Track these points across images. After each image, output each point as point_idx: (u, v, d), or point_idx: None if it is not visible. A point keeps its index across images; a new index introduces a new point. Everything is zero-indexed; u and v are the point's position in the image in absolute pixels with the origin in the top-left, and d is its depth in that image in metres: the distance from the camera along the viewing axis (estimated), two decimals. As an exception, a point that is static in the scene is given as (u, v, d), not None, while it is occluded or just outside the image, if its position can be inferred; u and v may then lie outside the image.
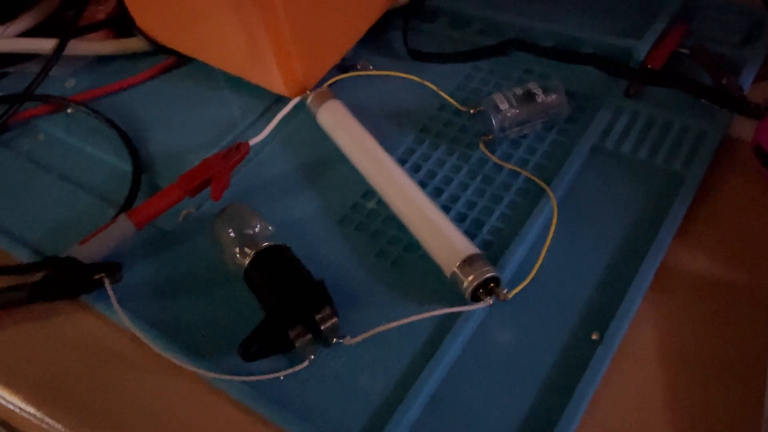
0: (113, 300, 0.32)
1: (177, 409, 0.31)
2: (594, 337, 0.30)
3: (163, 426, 0.30)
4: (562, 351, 0.30)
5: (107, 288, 0.32)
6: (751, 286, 0.31)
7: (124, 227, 0.35)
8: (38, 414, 0.32)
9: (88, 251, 0.34)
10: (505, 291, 0.30)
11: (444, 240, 0.32)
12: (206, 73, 0.46)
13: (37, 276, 0.33)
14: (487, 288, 0.30)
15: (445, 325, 0.31)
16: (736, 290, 0.31)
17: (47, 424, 0.31)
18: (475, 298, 0.30)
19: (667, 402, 0.28)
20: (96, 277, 0.33)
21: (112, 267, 0.33)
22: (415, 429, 0.28)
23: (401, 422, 0.28)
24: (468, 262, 0.30)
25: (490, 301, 0.30)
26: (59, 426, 0.31)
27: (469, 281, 0.30)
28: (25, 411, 0.32)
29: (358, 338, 0.30)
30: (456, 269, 0.30)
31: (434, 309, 0.30)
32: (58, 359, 0.33)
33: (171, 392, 0.31)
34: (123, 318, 0.31)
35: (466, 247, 0.31)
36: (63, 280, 0.33)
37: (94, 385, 0.32)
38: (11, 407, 0.32)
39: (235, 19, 0.38)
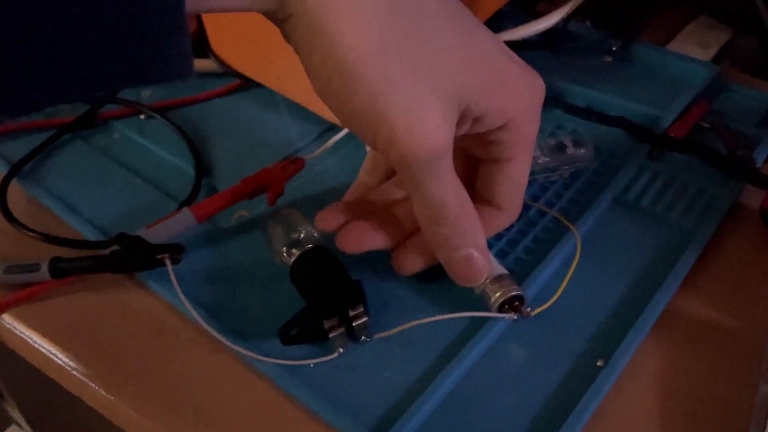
0: (172, 276, 0.35)
1: (215, 383, 0.34)
2: (599, 363, 0.33)
3: (200, 396, 0.33)
4: (569, 372, 0.33)
5: (168, 266, 0.36)
6: (744, 336, 0.34)
7: (186, 218, 0.39)
8: (88, 373, 0.35)
9: (153, 235, 0.38)
10: (528, 309, 0.34)
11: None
12: (268, 97, 0.51)
13: (108, 251, 0.37)
14: (512, 305, 0.34)
15: (468, 333, 0.34)
16: (731, 337, 0.34)
17: (96, 384, 0.35)
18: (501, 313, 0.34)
19: (659, 430, 0.31)
20: (159, 256, 0.37)
21: (175, 248, 0.37)
22: (428, 422, 0.31)
23: (417, 414, 0.31)
24: (497, 279, 0.34)
25: (514, 316, 0.33)
26: (105, 386, 0.34)
27: (496, 297, 0.33)
28: (75, 369, 0.35)
29: (385, 333, 0.33)
30: (486, 285, 0.34)
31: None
32: (112, 327, 0.37)
33: (211, 367, 0.35)
34: (178, 293, 0.35)
35: (496, 266, 0.35)
36: (131, 255, 0.36)
37: (141, 354, 0.35)
38: (63, 364, 0.36)
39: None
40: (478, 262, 0.32)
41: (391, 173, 0.38)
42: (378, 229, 0.35)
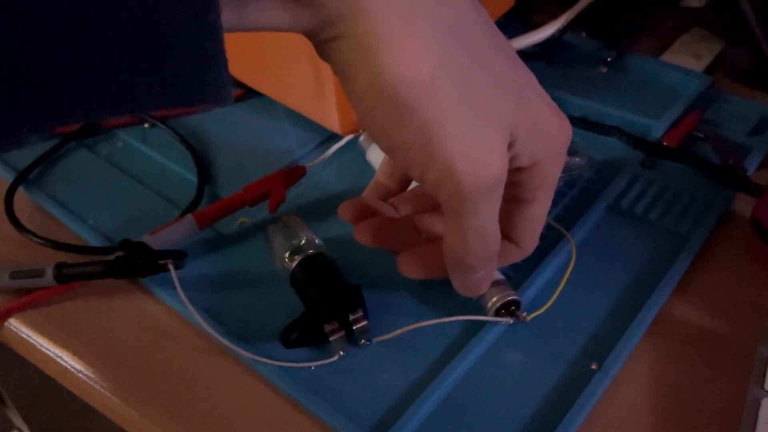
0: (175, 281, 0.36)
1: (217, 385, 0.35)
2: (593, 367, 0.33)
3: (202, 398, 0.34)
4: (563, 375, 0.33)
5: (171, 271, 0.37)
6: (735, 340, 0.35)
7: (189, 225, 0.40)
8: (92, 376, 0.36)
9: (156, 241, 0.39)
10: (524, 314, 0.34)
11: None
12: (269, 106, 0.52)
13: (112, 256, 0.38)
14: (508, 310, 0.34)
15: (465, 337, 0.35)
16: (722, 342, 0.35)
17: (99, 385, 0.35)
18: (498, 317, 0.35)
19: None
20: (162, 261, 0.37)
21: (178, 254, 0.38)
22: (425, 424, 0.32)
23: (414, 416, 0.31)
24: (494, 284, 0.35)
25: (510, 320, 0.34)
26: (109, 388, 0.35)
27: (493, 301, 0.34)
28: (80, 372, 0.36)
29: (384, 337, 0.34)
30: (483, 290, 0.35)
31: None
32: (117, 331, 0.37)
33: (213, 370, 0.35)
34: (182, 297, 0.36)
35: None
36: (134, 261, 0.37)
37: (145, 357, 0.36)
38: (68, 366, 0.36)
39: (308, 68, 0.44)
40: (486, 283, 0.33)
41: (408, 179, 0.38)
42: (395, 231, 0.35)
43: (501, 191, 0.28)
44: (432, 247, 0.34)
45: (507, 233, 0.32)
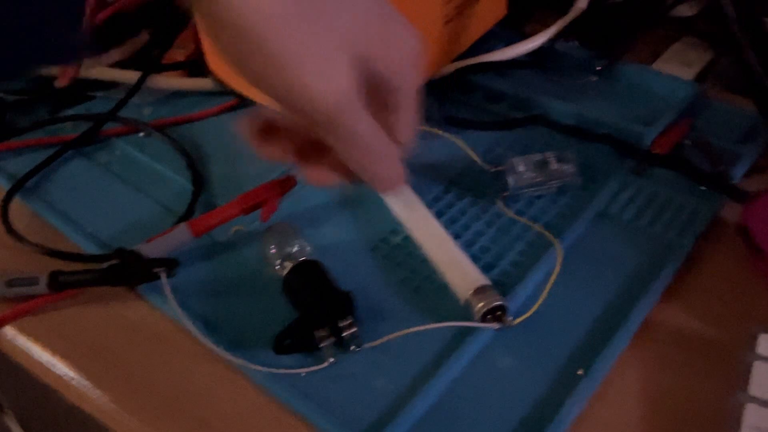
0: (167, 289, 0.37)
1: (211, 391, 0.35)
2: (579, 372, 0.34)
3: (195, 404, 0.34)
4: (551, 380, 0.34)
5: (163, 279, 0.37)
6: (722, 346, 0.35)
7: (183, 233, 0.40)
8: (87, 383, 0.36)
9: (151, 249, 0.40)
10: (510, 319, 0.35)
11: (461, 271, 0.37)
12: (265, 115, 0.53)
13: (106, 264, 0.39)
14: (495, 315, 0.35)
15: (453, 344, 0.35)
16: (709, 347, 0.35)
17: (94, 392, 0.36)
18: (484, 323, 0.35)
19: (639, 436, 0.32)
20: (155, 270, 0.38)
21: (170, 262, 0.38)
22: (415, 428, 0.32)
23: (405, 421, 0.32)
24: (481, 290, 0.35)
25: (496, 325, 0.35)
26: (103, 395, 0.35)
27: (479, 307, 0.35)
28: (75, 379, 0.36)
29: (374, 343, 0.35)
30: (469, 296, 0.35)
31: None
32: (112, 338, 0.38)
33: (205, 376, 0.36)
34: (174, 305, 0.36)
35: (480, 278, 0.36)
36: (128, 269, 0.38)
37: (140, 364, 0.37)
38: (62, 374, 0.37)
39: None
40: (395, 176, 0.36)
41: None
42: (298, 144, 0.37)
43: (355, 104, 0.31)
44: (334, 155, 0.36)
45: (392, 136, 0.35)
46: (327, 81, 0.29)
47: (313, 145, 0.37)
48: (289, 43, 0.28)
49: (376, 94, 0.33)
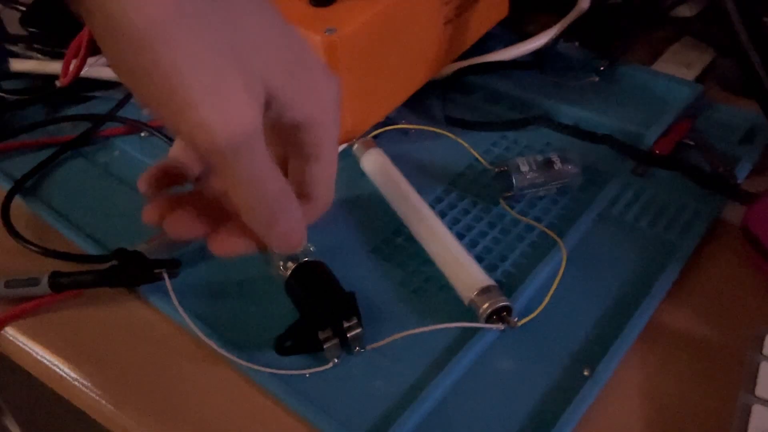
0: (169, 289, 0.36)
1: (213, 393, 0.35)
2: (585, 372, 0.34)
3: (197, 406, 0.34)
4: (556, 381, 0.34)
5: (165, 280, 0.37)
6: (725, 347, 0.35)
7: (184, 233, 0.40)
8: (87, 383, 0.36)
9: (152, 250, 0.39)
10: (515, 319, 0.35)
11: (465, 272, 0.37)
12: (266, 116, 0.52)
13: (107, 265, 0.39)
14: (500, 316, 0.35)
15: (457, 345, 0.35)
16: (713, 348, 0.35)
17: (95, 393, 0.36)
18: (489, 323, 0.35)
19: (644, 437, 0.32)
20: (157, 270, 0.38)
21: (172, 263, 0.38)
22: (419, 429, 0.32)
23: (408, 423, 0.32)
24: (485, 291, 0.35)
25: (501, 326, 0.35)
26: (104, 396, 0.35)
27: (484, 308, 0.34)
28: (76, 380, 0.36)
29: (377, 344, 0.35)
30: (474, 297, 0.35)
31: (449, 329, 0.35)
32: (112, 339, 0.38)
33: (208, 377, 0.35)
34: (176, 306, 0.36)
35: (484, 279, 0.36)
36: (129, 270, 0.38)
37: (141, 365, 0.36)
38: (63, 374, 0.37)
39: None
40: (296, 235, 0.32)
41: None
42: (197, 216, 0.33)
43: (261, 140, 0.28)
44: (237, 218, 0.32)
45: (304, 192, 0.33)
46: (226, 111, 0.26)
47: (217, 209, 0.34)
48: (181, 58, 0.25)
49: (286, 144, 0.31)
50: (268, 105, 0.28)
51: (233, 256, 0.33)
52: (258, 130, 0.27)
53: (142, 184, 0.34)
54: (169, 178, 0.34)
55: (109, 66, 0.28)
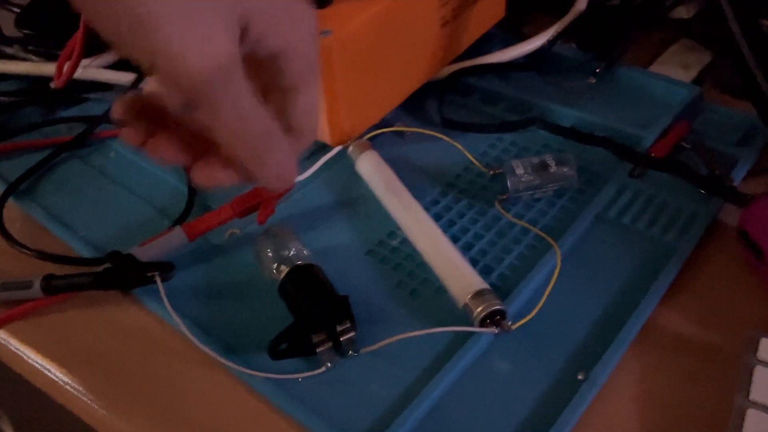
0: (162, 293, 0.36)
1: (206, 397, 0.35)
2: (580, 377, 0.33)
3: (190, 410, 0.34)
4: (550, 385, 0.34)
5: (158, 283, 0.37)
6: (722, 349, 0.35)
7: (178, 236, 0.40)
8: (79, 387, 0.36)
9: (146, 252, 0.39)
10: (509, 323, 0.35)
11: (459, 275, 0.36)
12: (262, 117, 0.52)
13: (100, 268, 0.38)
14: (494, 319, 0.34)
15: (452, 348, 0.35)
16: (709, 351, 0.35)
17: (87, 397, 0.35)
18: (483, 327, 0.35)
19: (640, 441, 0.32)
20: (150, 273, 0.37)
21: (165, 266, 0.38)
22: (413, 434, 0.32)
23: (402, 427, 0.31)
24: (479, 294, 0.35)
25: (495, 330, 0.34)
26: (97, 400, 0.35)
27: (478, 311, 0.34)
28: (68, 383, 0.36)
29: (371, 347, 0.34)
30: (468, 300, 0.35)
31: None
32: (105, 342, 0.38)
33: (201, 381, 0.35)
34: (169, 309, 0.36)
35: (478, 282, 0.36)
36: (122, 273, 0.37)
37: (134, 368, 0.36)
38: (55, 378, 0.36)
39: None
40: (287, 169, 0.31)
41: None
42: (180, 143, 0.32)
43: (240, 74, 0.27)
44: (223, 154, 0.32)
45: (288, 125, 0.32)
46: (202, 43, 0.25)
47: (199, 139, 0.32)
48: (153, 3, 0.24)
49: (265, 77, 0.30)
50: (244, 34, 0.27)
51: (215, 186, 0.32)
52: (235, 60, 0.26)
53: (118, 109, 0.32)
54: (147, 109, 0.32)
55: (75, 7, 0.26)
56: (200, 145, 0.32)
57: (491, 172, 0.45)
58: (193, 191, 0.46)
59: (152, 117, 0.32)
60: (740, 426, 0.30)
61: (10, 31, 0.59)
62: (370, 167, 0.45)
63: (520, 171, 0.42)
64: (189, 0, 0.25)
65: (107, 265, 0.38)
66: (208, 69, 0.25)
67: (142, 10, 0.24)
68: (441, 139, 0.48)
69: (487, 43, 0.56)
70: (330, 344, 0.34)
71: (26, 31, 0.58)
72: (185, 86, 0.26)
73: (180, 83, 0.26)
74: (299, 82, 0.30)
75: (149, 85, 0.34)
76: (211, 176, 0.32)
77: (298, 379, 0.34)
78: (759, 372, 0.32)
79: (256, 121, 0.29)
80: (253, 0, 0.27)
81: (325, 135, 0.46)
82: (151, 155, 0.32)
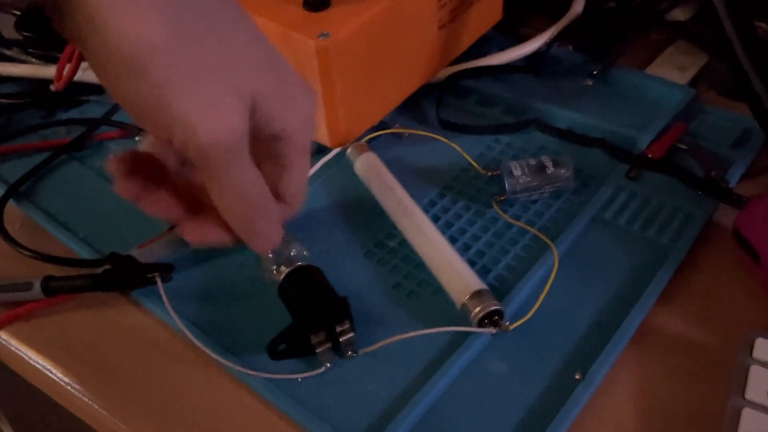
0: (162, 294, 0.37)
1: (206, 397, 0.35)
2: (577, 376, 0.34)
3: (190, 410, 0.34)
4: (548, 385, 0.34)
5: (158, 284, 0.37)
6: (718, 350, 0.35)
7: (178, 238, 0.40)
8: (79, 387, 0.36)
9: (145, 254, 0.39)
10: (507, 324, 0.35)
11: (457, 276, 0.37)
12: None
13: (100, 269, 0.39)
14: (491, 320, 0.35)
15: (449, 349, 0.35)
16: (705, 352, 0.35)
17: (88, 398, 0.36)
18: (481, 327, 0.35)
19: (636, 440, 0.32)
20: (150, 275, 0.38)
21: (165, 267, 0.38)
22: (412, 433, 0.32)
23: (400, 427, 0.32)
24: (477, 295, 0.35)
25: (493, 330, 0.35)
26: (97, 400, 0.35)
27: (476, 312, 0.35)
28: (69, 384, 0.36)
29: (370, 348, 0.35)
30: (466, 301, 0.35)
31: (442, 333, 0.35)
32: (105, 343, 0.38)
33: (200, 381, 0.35)
34: (169, 311, 0.36)
35: (476, 282, 0.36)
36: (122, 274, 0.38)
37: (134, 369, 0.36)
38: (56, 379, 0.37)
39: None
40: (272, 235, 0.34)
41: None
42: (174, 198, 0.34)
43: (244, 150, 0.29)
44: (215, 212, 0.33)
45: (278, 195, 0.34)
46: (216, 118, 0.27)
47: (193, 198, 0.35)
48: (174, 75, 0.26)
49: (261, 152, 0.32)
50: (252, 114, 0.29)
51: (207, 244, 0.34)
52: (245, 136, 0.29)
53: (112, 164, 0.34)
54: (141, 166, 0.34)
55: (103, 84, 0.29)
56: (193, 202, 0.35)
57: (489, 174, 0.45)
58: (192, 193, 0.46)
59: (147, 173, 0.34)
60: (736, 425, 0.30)
61: (10, 33, 0.59)
62: (369, 169, 0.45)
63: (517, 172, 0.42)
64: (210, 84, 0.27)
65: (107, 266, 0.38)
66: (222, 143, 0.28)
67: (168, 93, 0.27)
68: (439, 140, 0.48)
69: (484, 45, 0.56)
70: (329, 345, 0.35)
71: (26, 34, 0.58)
72: (198, 157, 0.28)
73: (194, 154, 0.28)
74: (293, 160, 0.33)
75: (145, 144, 0.35)
76: (202, 234, 0.34)
77: (297, 379, 0.34)
78: (754, 372, 0.32)
79: (253, 193, 0.31)
80: (261, 86, 0.29)
81: (323, 137, 0.47)
82: (144, 209, 0.34)
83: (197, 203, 0.35)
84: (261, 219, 0.32)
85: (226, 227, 0.33)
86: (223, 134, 0.27)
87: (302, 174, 0.34)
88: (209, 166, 0.29)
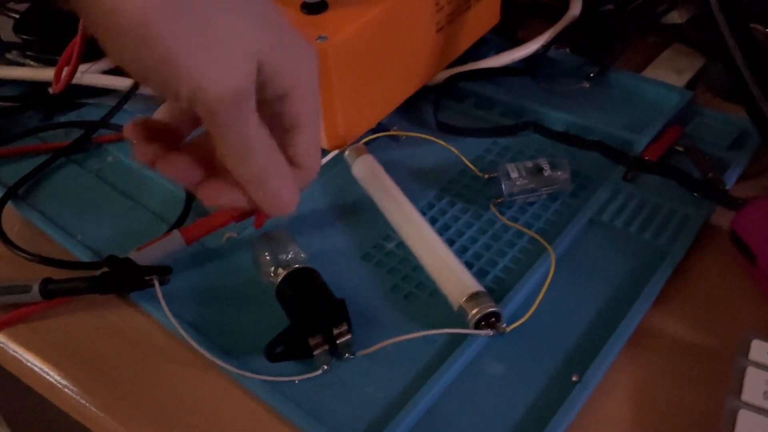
0: (160, 297, 0.37)
1: (203, 399, 0.35)
2: (574, 378, 0.34)
3: (188, 412, 0.34)
4: (545, 387, 0.34)
5: (156, 287, 0.37)
6: (714, 351, 0.35)
7: (175, 240, 0.40)
8: (77, 389, 0.36)
9: (143, 256, 0.39)
10: (504, 325, 0.35)
11: (455, 278, 0.37)
12: (258, 122, 0.53)
13: (98, 272, 0.39)
14: (488, 322, 0.35)
15: (447, 351, 0.35)
16: (701, 353, 0.35)
17: (85, 400, 0.36)
18: (478, 329, 0.35)
19: (633, 442, 0.32)
20: (147, 277, 0.38)
21: (163, 270, 0.38)
22: (409, 436, 0.32)
23: (398, 429, 0.32)
24: (474, 297, 0.35)
25: (490, 332, 0.35)
26: (95, 403, 0.35)
27: (473, 314, 0.35)
28: (66, 386, 0.36)
29: (367, 350, 0.35)
30: (463, 303, 0.35)
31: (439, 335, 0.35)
32: (103, 345, 0.38)
33: (199, 384, 0.36)
34: (167, 313, 0.36)
35: (473, 284, 0.36)
36: (120, 277, 0.38)
37: (132, 371, 0.36)
38: (54, 381, 0.37)
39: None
40: (288, 196, 0.33)
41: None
42: (190, 162, 0.34)
43: (252, 103, 0.29)
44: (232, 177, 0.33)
45: (292, 160, 0.34)
46: (222, 72, 0.28)
47: (209, 164, 0.34)
48: (178, 33, 0.27)
49: (269, 116, 0.32)
50: (258, 72, 0.29)
51: (222, 206, 0.34)
52: (251, 90, 0.29)
53: (129, 129, 0.33)
54: (157, 133, 0.34)
55: (104, 49, 0.28)
56: (209, 166, 0.34)
57: (486, 176, 0.45)
58: (190, 195, 0.46)
59: (162, 139, 0.34)
60: (732, 426, 0.30)
61: (9, 36, 0.59)
62: (367, 171, 0.45)
63: (514, 175, 0.43)
64: (212, 35, 0.28)
65: (105, 269, 0.38)
66: (229, 93, 0.28)
67: (164, 41, 0.27)
68: (436, 143, 0.48)
69: (482, 48, 0.57)
70: (326, 347, 0.35)
71: (25, 37, 0.58)
72: (206, 111, 0.28)
73: (201, 109, 0.28)
74: (301, 121, 0.32)
75: (159, 112, 0.35)
76: (216, 195, 0.34)
77: (294, 381, 0.35)
78: (751, 373, 0.32)
79: (260, 148, 0.31)
80: (265, 44, 0.29)
81: (321, 140, 0.47)
82: (162, 173, 0.33)
83: (213, 169, 0.34)
84: (273, 178, 0.32)
85: (241, 189, 0.33)
86: (229, 87, 0.28)
87: (314, 134, 0.34)
88: (217, 121, 0.29)
